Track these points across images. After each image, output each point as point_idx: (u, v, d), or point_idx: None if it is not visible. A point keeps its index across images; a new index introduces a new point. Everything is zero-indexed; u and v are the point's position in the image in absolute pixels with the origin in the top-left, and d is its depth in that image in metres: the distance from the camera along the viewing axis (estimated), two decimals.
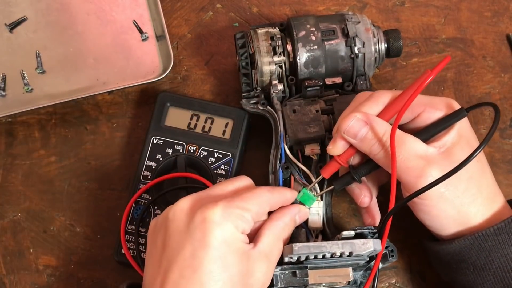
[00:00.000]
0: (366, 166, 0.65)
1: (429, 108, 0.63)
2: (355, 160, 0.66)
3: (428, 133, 0.63)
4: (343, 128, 0.62)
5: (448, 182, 0.60)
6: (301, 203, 0.65)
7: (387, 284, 0.72)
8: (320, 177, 0.66)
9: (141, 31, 0.79)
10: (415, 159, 0.61)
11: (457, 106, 0.64)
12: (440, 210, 0.62)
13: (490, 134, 0.60)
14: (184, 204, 0.58)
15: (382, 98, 0.64)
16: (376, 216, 0.68)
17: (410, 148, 0.61)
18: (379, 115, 0.63)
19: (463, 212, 0.62)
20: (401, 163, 0.60)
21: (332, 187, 0.66)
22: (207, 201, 0.58)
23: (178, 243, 0.56)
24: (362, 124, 0.62)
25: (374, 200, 0.68)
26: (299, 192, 0.65)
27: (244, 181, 0.63)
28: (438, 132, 0.63)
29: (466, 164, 0.58)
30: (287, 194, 0.63)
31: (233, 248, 0.56)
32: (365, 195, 0.67)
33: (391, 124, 0.62)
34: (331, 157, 0.65)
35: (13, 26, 0.79)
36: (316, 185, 0.67)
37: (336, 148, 0.64)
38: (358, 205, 0.68)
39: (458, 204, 0.62)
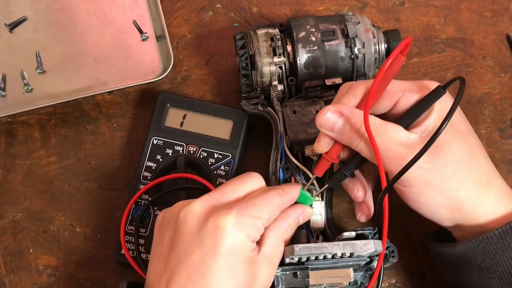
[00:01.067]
0: (355, 160, 0.64)
1: (407, 93, 0.62)
2: (344, 155, 0.65)
3: (408, 119, 0.62)
4: (319, 122, 0.62)
5: (433, 167, 0.59)
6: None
7: (387, 284, 0.72)
8: (314, 177, 0.66)
9: (141, 31, 0.79)
10: (396, 148, 0.59)
11: (434, 85, 0.62)
12: (428, 196, 0.61)
13: (456, 102, 0.58)
14: (197, 207, 0.58)
15: (359, 89, 0.63)
16: (371, 210, 0.68)
17: (391, 137, 0.60)
18: (358, 106, 0.62)
19: (453, 197, 0.60)
20: (383, 153, 0.59)
21: (327, 186, 0.66)
22: (220, 207, 0.57)
23: (188, 246, 0.56)
24: (337, 116, 0.61)
25: (369, 194, 0.68)
26: None
27: (256, 181, 0.62)
28: (419, 116, 0.62)
29: (436, 138, 0.56)
30: (294, 193, 0.63)
31: (242, 256, 0.56)
32: (358, 189, 0.66)
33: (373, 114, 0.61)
34: (321, 155, 0.65)
35: (13, 26, 0.79)
36: (316, 185, 0.67)
37: (321, 145, 0.63)
38: (353, 200, 0.67)
39: (446, 190, 0.60)
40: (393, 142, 0.60)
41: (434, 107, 0.61)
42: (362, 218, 0.68)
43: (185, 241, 0.56)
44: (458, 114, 0.64)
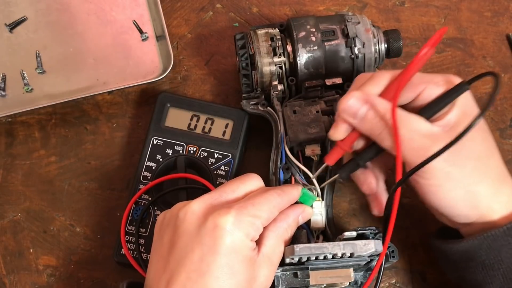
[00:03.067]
0: (371, 150, 0.63)
1: (431, 85, 0.61)
2: (359, 144, 0.64)
3: (430, 111, 0.61)
4: (342, 107, 0.61)
5: (455, 161, 0.59)
6: (300, 203, 0.65)
7: (387, 284, 0.72)
8: (324, 165, 0.65)
9: (141, 31, 0.79)
10: (420, 139, 0.59)
11: (458, 80, 0.62)
12: (447, 190, 0.60)
13: (492, 101, 0.57)
14: (196, 206, 0.58)
15: (383, 79, 0.62)
16: (384, 204, 0.66)
17: (414, 128, 0.59)
18: (380, 95, 0.62)
19: (471, 192, 0.60)
20: (406, 143, 0.58)
21: (337, 175, 0.65)
22: (219, 207, 0.58)
23: (187, 246, 0.56)
24: (362, 102, 0.60)
25: (382, 187, 0.67)
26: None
27: (255, 182, 0.62)
28: (441, 109, 0.61)
29: (465, 134, 0.56)
30: (294, 194, 0.63)
31: (241, 256, 0.56)
32: (370, 181, 0.65)
33: None
34: (333, 144, 0.64)
35: (13, 26, 0.79)
36: (316, 185, 0.67)
37: (338, 132, 0.63)
38: (364, 193, 0.67)
39: (466, 184, 0.60)
40: (416, 133, 0.59)
41: (456, 102, 0.61)
42: (375, 211, 0.67)
43: (184, 240, 0.56)
44: (475, 108, 0.63)
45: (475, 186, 0.60)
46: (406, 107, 0.63)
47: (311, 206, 0.65)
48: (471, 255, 0.61)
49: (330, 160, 0.64)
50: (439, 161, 0.58)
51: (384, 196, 0.67)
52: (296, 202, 0.64)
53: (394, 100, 0.58)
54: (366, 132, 0.61)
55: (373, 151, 0.63)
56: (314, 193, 0.66)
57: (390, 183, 0.66)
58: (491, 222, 0.61)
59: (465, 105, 0.61)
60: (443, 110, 0.61)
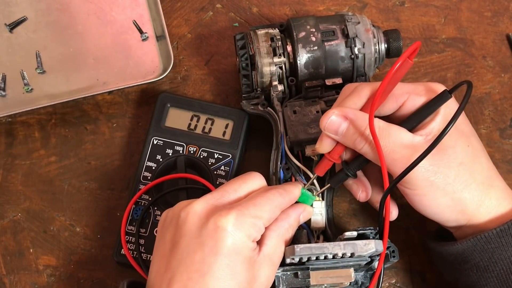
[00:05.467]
0: (358, 161, 0.64)
1: (413, 95, 0.62)
2: (347, 155, 0.65)
3: (413, 121, 0.62)
4: (323, 125, 0.62)
5: (437, 169, 0.60)
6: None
7: (387, 284, 0.72)
8: (315, 176, 0.66)
9: (141, 31, 0.79)
10: (401, 150, 0.60)
11: (440, 89, 0.63)
12: (432, 198, 0.61)
13: (462, 106, 0.58)
14: (198, 207, 0.58)
15: (364, 91, 0.63)
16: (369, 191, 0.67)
17: (395, 139, 0.60)
18: (362, 108, 0.62)
19: (457, 199, 0.61)
20: (388, 155, 0.59)
21: (328, 185, 0.66)
22: (221, 207, 0.58)
23: (189, 246, 0.56)
24: (341, 120, 0.61)
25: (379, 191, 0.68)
26: None
27: (257, 181, 0.62)
28: (424, 119, 0.62)
29: (439, 141, 0.57)
30: (295, 193, 0.63)
31: (242, 257, 0.56)
32: (362, 190, 0.66)
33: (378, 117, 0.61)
34: (323, 155, 0.65)
35: (13, 26, 0.78)
36: (316, 184, 0.67)
37: (323, 146, 0.64)
38: (359, 201, 0.67)
39: (451, 192, 0.61)
40: (398, 145, 0.60)
41: (440, 111, 0.62)
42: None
43: (186, 241, 0.57)
44: (462, 117, 0.64)
45: (460, 193, 0.61)
46: (390, 118, 0.64)
47: (311, 205, 0.65)
48: (465, 257, 0.62)
49: (319, 171, 0.65)
50: (421, 171, 0.60)
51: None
52: (296, 202, 0.64)
53: (370, 113, 0.59)
54: (350, 147, 0.62)
55: (359, 162, 0.64)
56: (314, 193, 0.66)
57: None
58: (482, 225, 0.62)
59: (448, 114, 0.61)
60: (427, 118, 0.62)
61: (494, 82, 0.79)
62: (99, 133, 0.77)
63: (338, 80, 0.71)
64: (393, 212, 0.67)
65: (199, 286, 0.54)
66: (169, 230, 0.59)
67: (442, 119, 0.61)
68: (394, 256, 0.63)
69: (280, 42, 0.70)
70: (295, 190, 0.63)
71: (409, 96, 0.62)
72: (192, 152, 0.72)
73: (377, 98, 0.59)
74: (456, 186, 0.61)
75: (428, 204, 0.62)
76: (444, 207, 0.61)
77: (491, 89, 0.79)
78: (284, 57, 0.70)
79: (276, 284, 0.62)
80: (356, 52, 0.70)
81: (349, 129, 0.61)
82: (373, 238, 0.62)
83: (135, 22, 0.79)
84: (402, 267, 0.73)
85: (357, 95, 0.63)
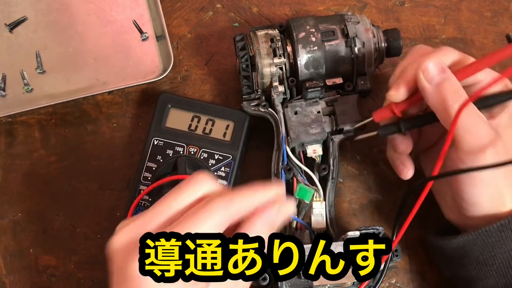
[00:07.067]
0: (419, 120, 0.62)
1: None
2: (412, 111, 0.63)
3: (482, 103, 0.60)
4: (423, 67, 0.59)
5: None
6: (300, 199, 0.66)
7: (387, 284, 0.72)
8: (369, 119, 0.65)
9: (141, 31, 0.79)
10: (477, 132, 0.58)
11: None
12: (482, 181, 0.60)
13: None
14: (117, 244, 0.50)
15: (451, 55, 0.61)
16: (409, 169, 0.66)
17: (477, 121, 0.59)
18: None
19: (500, 194, 0.61)
20: (462, 132, 0.58)
21: (376, 132, 0.65)
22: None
23: (117, 284, 0.50)
24: (441, 70, 0.59)
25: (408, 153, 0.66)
26: (296, 189, 0.65)
27: (197, 189, 0.52)
28: (490, 106, 0.61)
29: None
30: (259, 197, 0.52)
31: None
32: (407, 144, 0.64)
33: None
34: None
35: (13, 26, 0.78)
36: (319, 186, 0.67)
37: (400, 93, 0.61)
38: (396, 151, 0.65)
39: (499, 185, 0.60)
40: (475, 128, 0.59)
41: (508, 106, 0.62)
42: (408, 174, 0.66)
43: (114, 277, 0.50)
44: None
45: (504, 189, 0.61)
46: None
47: (311, 201, 0.65)
48: (465, 251, 0.62)
49: (378, 117, 0.64)
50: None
51: (408, 162, 0.66)
52: (298, 200, 0.64)
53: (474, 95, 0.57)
54: (433, 102, 0.60)
55: (420, 122, 0.62)
56: (316, 194, 0.66)
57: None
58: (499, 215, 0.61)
59: None
60: (494, 108, 0.61)
61: None
62: (99, 133, 0.77)
63: (339, 80, 0.71)
64: (409, 171, 0.66)
65: None
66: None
67: (508, 116, 0.61)
68: (397, 255, 0.63)
69: (280, 43, 0.70)
70: (258, 194, 0.52)
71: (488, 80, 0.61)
72: (192, 153, 0.72)
73: (476, 71, 0.58)
74: (504, 181, 0.60)
75: (472, 187, 0.60)
76: (486, 193, 0.60)
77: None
78: (284, 57, 0.70)
79: (279, 284, 0.62)
80: (356, 51, 0.70)
81: (446, 84, 0.59)
82: (378, 238, 0.61)
83: (135, 22, 0.79)
84: (402, 267, 0.73)
85: (443, 54, 0.61)
